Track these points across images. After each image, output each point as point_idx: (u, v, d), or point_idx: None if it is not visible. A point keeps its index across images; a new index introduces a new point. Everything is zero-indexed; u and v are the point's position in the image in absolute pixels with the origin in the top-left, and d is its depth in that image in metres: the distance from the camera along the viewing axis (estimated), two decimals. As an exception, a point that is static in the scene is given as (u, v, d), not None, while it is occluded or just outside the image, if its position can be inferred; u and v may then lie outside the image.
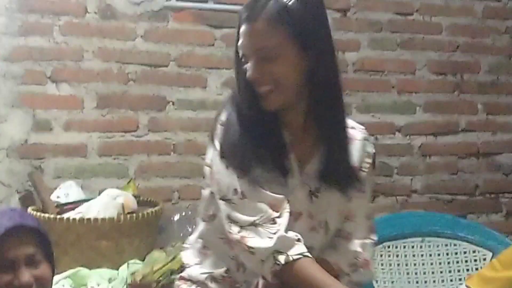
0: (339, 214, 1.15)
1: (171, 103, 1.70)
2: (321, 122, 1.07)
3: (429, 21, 1.89)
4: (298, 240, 1.05)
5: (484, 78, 1.94)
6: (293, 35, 0.99)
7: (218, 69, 1.73)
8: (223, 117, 1.11)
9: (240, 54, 1.05)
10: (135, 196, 1.57)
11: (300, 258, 1.01)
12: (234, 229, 1.06)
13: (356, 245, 1.15)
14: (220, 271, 1.14)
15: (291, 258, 1.00)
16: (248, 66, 1.03)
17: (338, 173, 1.10)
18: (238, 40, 1.05)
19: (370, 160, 1.17)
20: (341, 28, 1.85)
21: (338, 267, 1.13)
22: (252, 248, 1.02)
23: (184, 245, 1.23)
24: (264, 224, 1.05)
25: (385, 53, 1.90)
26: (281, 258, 1.01)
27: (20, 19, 1.59)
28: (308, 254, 1.04)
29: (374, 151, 1.21)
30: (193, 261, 1.18)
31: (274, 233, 1.03)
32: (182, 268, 1.28)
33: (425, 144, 1.99)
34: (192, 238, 1.21)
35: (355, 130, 1.17)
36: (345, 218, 1.16)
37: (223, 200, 1.09)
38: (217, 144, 1.10)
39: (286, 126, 1.07)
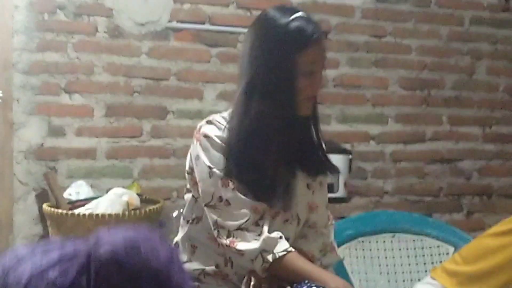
0: (306, 206, 1.14)
1: (171, 112, 1.71)
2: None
3: (400, 42, 1.91)
4: (281, 237, 1.04)
5: (448, 93, 1.97)
6: None
7: (213, 83, 1.73)
8: (220, 133, 1.06)
9: (310, 70, 1.00)
10: (138, 195, 1.58)
11: (285, 254, 1.01)
12: (223, 234, 1.04)
13: (322, 233, 1.16)
14: (211, 267, 1.12)
15: (277, 256, 1.00)
16: (314, 78, 1.01)
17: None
18: (295, 58, 0.99)
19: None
20: (322, 48, 1.89)
21: (311, 254, 1.13)
22: (241, 251, 1.01)
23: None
24: (249, 228, 1.03)
25: (361, 70, 1.92)
26: (269, 257, 1.00)
27: (38, 37, 1.59)
28: (291, 249, 1.04)
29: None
30: (182, 259, 1.13)
31: (259, 235, 1.02)
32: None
33: (395, 151, 2.01)
34: (178, 238, 1.17)
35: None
36: (309, 209, 1.15)
37: (207, 207, 1.05)
38: (202, 155, 1.05)
39: None
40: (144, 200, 1.57)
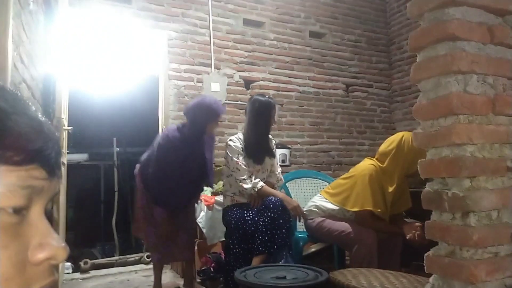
0: (269, 165, 2.66)
1: (226, 134, 4.05)
2: None
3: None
4: (259, 181, 2.46)
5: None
6: None
7: (240, 123, 4.09)
8: (234, 140, 2.56)
9: (272, 118, 2.56)
10: (216, 165, 3.80)
11: (262, 186, 2.46)
12: (238, 182, 2.44)
13: (276, 175, 2.73)
14: (236, 191, 2.54)
15: (258, 188, 2.46)
16: (273, 122, 2.59)
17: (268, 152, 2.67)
18: (271, 115, 2.56)
19: (274, 146, 2.76)
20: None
21: (272, 182, 2.67)
22: (245, 189, 2.47)
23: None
24: (247, 179, 2.49)
25: (294, 116, 4.40)
26: (255, 189, 2.42)
27: (178, 107, 3.89)
28: (264, 184, 2.44)
29: (275, 142, 2.79)
30: (226, 189, 2.62)
31: (251, 181, 2.45)
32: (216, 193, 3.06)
33: (308, 148, 4.43)
34: (225, 181, 2.63)
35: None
36: (271, 166, 2.67)
37: (232, 171, 2.50)
38: (229, 152, 2.54)
39: None
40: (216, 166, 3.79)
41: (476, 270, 1.11)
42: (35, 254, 0.37)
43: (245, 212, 2.49)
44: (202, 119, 2.46)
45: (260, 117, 2.60)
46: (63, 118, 2.63)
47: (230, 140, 2.66)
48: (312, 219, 2.64)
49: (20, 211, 0.37)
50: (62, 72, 2.68)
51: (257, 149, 2.62)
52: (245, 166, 2.53)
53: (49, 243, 0.39)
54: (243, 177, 2.51)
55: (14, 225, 0.36)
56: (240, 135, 2.73)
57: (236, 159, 2.55)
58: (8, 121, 0.36)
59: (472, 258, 1.13)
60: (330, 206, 2.59)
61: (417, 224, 2.40)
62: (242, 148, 2.62)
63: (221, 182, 3.16)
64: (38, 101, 2.32)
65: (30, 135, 0.37)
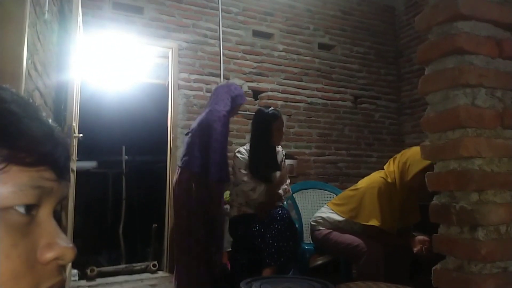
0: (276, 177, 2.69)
1: (233, 144, 4.08)
2: None
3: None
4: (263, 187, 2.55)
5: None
6: None
7: (248, 133, 4.10)
8: (242, 152, 2.65)
9: (277, 129, 2.59)
10: None
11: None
12: (244, 191, 2.52)
13: (284, 186, 2.73)
14: (243, 202, 2.60)
15: (263, 188, 2.60)
16: (279, 134, 2.64)
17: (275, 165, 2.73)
18: (272, 127, 2.58)
19: (283, 157, 2.81)
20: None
21: (280, 194, 2.69)
22: (254, 198, 2.57)
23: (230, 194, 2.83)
24: (250, 190, 2.55)
25: (301, 126, 4.40)
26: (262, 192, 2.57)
27: (187, 115, 3.94)
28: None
29: (284, 153, 2.81)
30: (232, 199, 2.67)
31: (254, 193, 2.56)
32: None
33: (315, 159, 4.42)
34: (233, 191, 2.67)
35: (278, 147, 2.75)
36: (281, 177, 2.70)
37: (239, 183, 2.59)
38: (236, 164, 2.59)
39: None
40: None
41: (485, 285, 1.10)
42: (44, 253, 0.38)
43: (252, 224, 2.50)
44: (240, 98, 2.74)
45: (262, 130, 2.62)
46: (74, 125, 2.68)
47: (238, 151, 2.67)
48: (319, 230, 2.64)
49: (30, 211, 0.38)
50: (74, 80, 2.73)
51: (263, 166, 2.64)
52: (250, 178, 2.58)
53: (57, 243, 0.40)
54: (250, 189, 2.54)
55: (24, 224, 0.37)
56: (249, 146, 2.75)
57: (244, 172, 2.58)
58: (20, 124, 0.37)
59: (480, 273, 1.12)
60: (337, 217, 2.59)
61: (425, 237, 2.38)
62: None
63: (227, 192, 3.20)
64: (50, 108, 2.36)
65: (41, 138, 0.39)
